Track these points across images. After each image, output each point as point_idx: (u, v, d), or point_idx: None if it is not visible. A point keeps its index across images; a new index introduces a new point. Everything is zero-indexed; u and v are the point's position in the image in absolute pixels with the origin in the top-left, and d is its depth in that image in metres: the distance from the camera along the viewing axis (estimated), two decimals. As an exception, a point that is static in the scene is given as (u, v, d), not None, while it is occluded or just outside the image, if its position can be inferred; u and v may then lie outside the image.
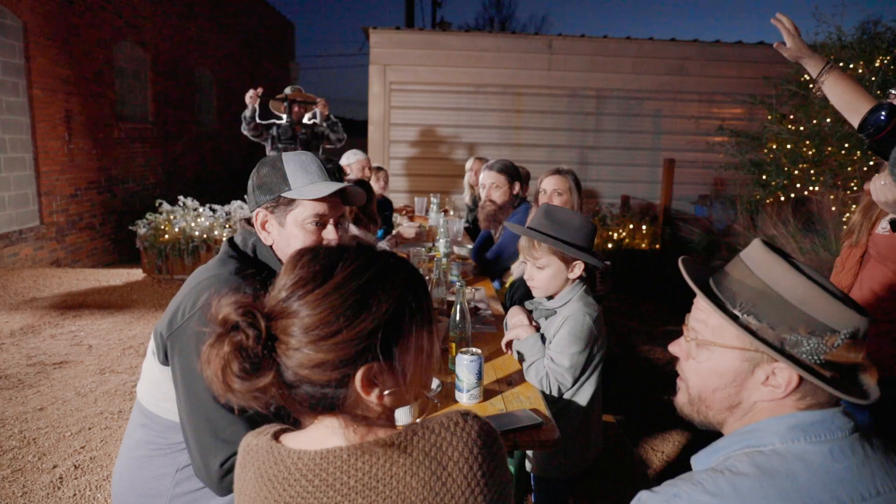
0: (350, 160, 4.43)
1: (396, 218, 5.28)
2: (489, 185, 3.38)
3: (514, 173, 3.41)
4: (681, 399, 1.01)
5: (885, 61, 4.52)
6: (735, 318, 0.91)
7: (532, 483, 2.10)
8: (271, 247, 1.52)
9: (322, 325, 0.79)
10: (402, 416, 1.64)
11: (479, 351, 1.80)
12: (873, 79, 4.50)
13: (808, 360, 0.87)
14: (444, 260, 3.13)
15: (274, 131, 5.47)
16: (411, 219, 5.55)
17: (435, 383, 1.87)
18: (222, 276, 1.38)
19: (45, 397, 3.53)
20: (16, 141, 6.31)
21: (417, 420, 0.90)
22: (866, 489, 0.82)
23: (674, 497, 0.85)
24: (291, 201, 1.47)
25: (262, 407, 0.83)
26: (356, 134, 8.90)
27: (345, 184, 1.50)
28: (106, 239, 7.97)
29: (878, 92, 4.47)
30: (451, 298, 2.71)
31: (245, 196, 1.52)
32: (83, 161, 7.44)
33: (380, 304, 0.82)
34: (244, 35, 13.29)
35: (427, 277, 3.08)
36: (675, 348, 1.01)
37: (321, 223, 1.50)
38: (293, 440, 0.90)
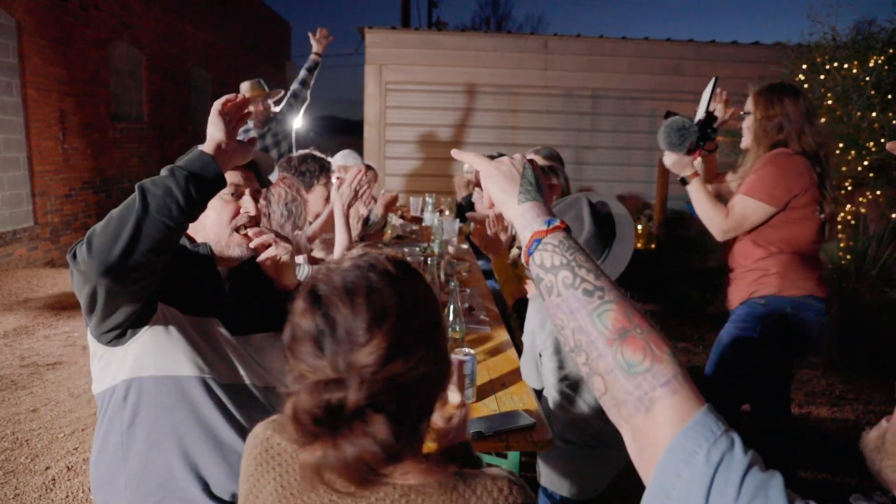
0: (346, 162, 4.41)
1: (392, 218, 5.27)
2: None
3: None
4: (875, 431, 0.77)
5: (880, 61, 4.53)
6: None
7: (540, 496, 2.06)
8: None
9: (429, 344, 0.77)
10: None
11: (473, 351, 1.79)
12: (868, 79, 4.51)
13: None
14: (438, 260, 3.12)
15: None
16: (407, 219, 5.54)
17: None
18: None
19: (38, 398, 3.51)
20: (9, 141, 6.28)
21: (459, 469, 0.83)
22: None
23: None
24: None
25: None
26: (352, 134, 8.88)
27: (253, 149, 1.48)
28: (101, 239, 7.94)
29: (873, 91, 4.48)
30: (445, 298, 2.70)
31: None
32: (78, 161, 7.42)
33: (429, 303, 0.82)
34: (240, 35, 13.27)
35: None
36: None
37: (237, 194, 1.50)
38: None
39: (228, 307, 1.48)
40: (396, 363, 0.73)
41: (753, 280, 2.24)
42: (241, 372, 1.46)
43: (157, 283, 1.27)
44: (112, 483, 1.39)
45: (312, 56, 4.87)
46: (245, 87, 4.75)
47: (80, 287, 1.21)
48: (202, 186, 1.23)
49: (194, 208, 1.22)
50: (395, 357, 0.73)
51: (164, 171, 1.22)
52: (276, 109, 4.80)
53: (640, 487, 0.68)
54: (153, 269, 1.21)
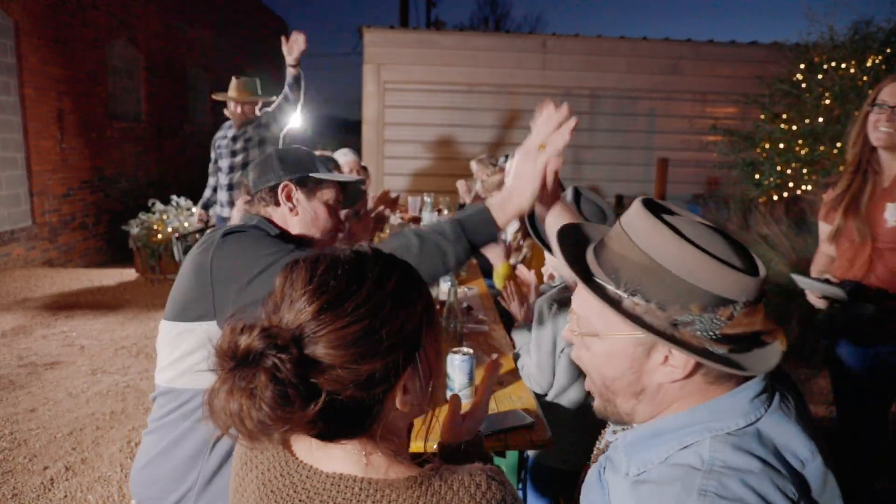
0: (340, 160, 4.41)
1: (390, 217, 5.27)
2: None
3: None
4: (593, 392, 0.94)
5: (877, 61, 4.54)
6: (617, 303, 0.82)
7: (528, 470, 2.09)
8: (273, 224, 1.57)
9: (367, 333, 0.72)
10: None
11: (471, 351, 1.79)
12: (865, 78, 4.51)
13: (702, 336, 0.79)
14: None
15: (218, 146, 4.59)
16: (406, 219, 5.54)
17: (427, 383, 1.86)
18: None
19: (36, 398, 3.51)
20: (7, 140, 6.27)
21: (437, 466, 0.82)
22: (811, 445, 0.82)
23: None
24: (321, 181, 1.60)
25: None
26: (350, 133, 8.88)
27: (362, 178, 1.68)
28: (98, 239, 7.93)
29: (870, 92, 4.50)
30: (444, 298, 2.70)
31: (253, 173, 1.62)
32: (76, 160, 7.40)
33: (413, 304, 0.77)
34: (238, 34, 13.25)
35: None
36: (567, 336, 0.93)
37: (338, 207, 1.65)
38: (304, 450, 0.82)
39: None
40: (316, 337, 0.71)
41: None
42: None
43: None
44: (181, 479, 1.39)
45: (289, 70, 4.41)
46: (233, 87, 4.44)
47: None
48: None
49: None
50: (319, 332, 0.72)
51: (452, 231, 1.22)
52: (258, 113, 4.55)
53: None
54: None
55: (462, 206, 5.13)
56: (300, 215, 1.59)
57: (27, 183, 6.59)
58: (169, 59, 9.97)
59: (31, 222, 6.68)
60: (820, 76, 4.77)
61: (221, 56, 12.33)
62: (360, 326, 0.72)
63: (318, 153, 3.16)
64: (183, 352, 1.42)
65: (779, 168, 5.07)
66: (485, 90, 7.65)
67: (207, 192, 4.77)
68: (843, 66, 4.63)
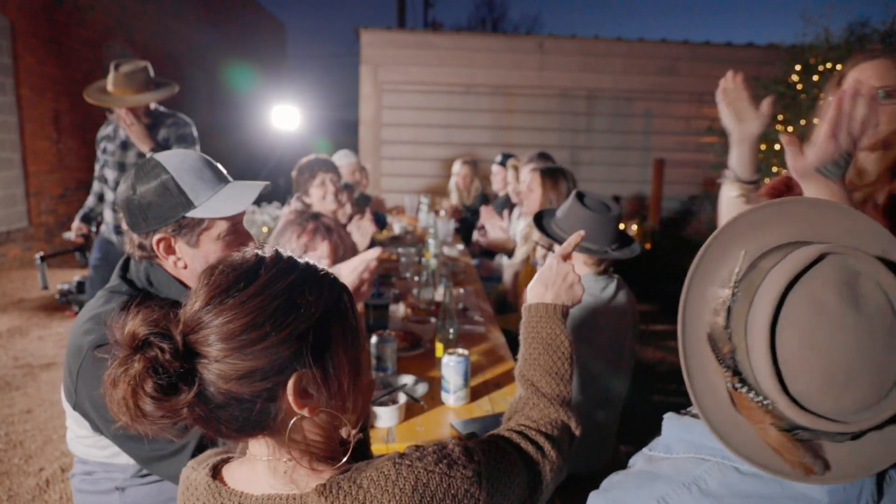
0: (341, 162, 4.42)
1: (387, 218, 5.27)
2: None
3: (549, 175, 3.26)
4: None
5: (873, 62, 4.55)
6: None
7: None
8: (170, 275, 1.33)
9: (248, 329, 0.73)
10: (388, 417, 1.64)
11: (466, 352, 1.80)
12: (860, 80, 4.52)
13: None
14: (433, 260, 3.13)
15: (103, 151, 3.56)
16: (402, 218, 5.55)
17: (423, 385, 1.87)
18: (103, 317, 1.23)
19: (32, 399, 3.50)
20: (4, 141, 6.26)
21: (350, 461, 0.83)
22: None
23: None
24: (201, 220, 1.27)
25: (177, 434, 0.76)
26: (347, 134, 8.88)
27: (258, 185, 1.33)
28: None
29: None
30: (439, 299, 2.71)
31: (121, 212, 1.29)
32: (72, 161, 7.39)
33: (308, 306, 0.77)
34: (236, 35, 13.25)
35: (416, 278, 3.08)
36: None
37: (235, 231, 1.33)
38: (234, 476, 0.84)
39: None
40: (200, 330, 0.74)
41: None
42: None
43: None
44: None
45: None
46: (112, 81, 3.54)
47: None
48: None
49: None
50: (203, 326, 0.74)
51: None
52: (162, 109, 3.71)
53: (608, 469, 0.68)
54: None
55: (458, 229, 5.00)
56: (189, 266, 1.30)
57: (24, 183, 6.58)
58: (166, 59, 9.96)
59: (28, 223, 6.67)
60: (816, 77, 4.79)
61: (219, 57, 12.32)
62: (241, 322, 0.73)
63: (312, 157, 3.15)
64: (71, 422, 1.38)
65: (774, 169, 5.08)
66: (482, 91, 7.66)
67: (91, 201, 3.52)
68: (839, 67, 4.65)
